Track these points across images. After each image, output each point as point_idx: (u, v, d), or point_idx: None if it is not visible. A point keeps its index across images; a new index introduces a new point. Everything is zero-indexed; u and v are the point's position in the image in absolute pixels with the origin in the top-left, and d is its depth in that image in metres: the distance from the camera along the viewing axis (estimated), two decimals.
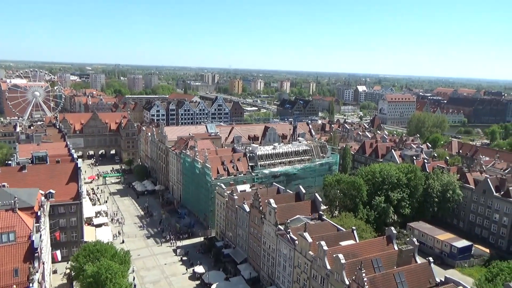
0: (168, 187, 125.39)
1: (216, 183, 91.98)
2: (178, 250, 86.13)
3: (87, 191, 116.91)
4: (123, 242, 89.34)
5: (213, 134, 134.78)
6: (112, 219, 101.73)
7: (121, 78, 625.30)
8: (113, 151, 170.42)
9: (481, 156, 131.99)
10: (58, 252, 75.52)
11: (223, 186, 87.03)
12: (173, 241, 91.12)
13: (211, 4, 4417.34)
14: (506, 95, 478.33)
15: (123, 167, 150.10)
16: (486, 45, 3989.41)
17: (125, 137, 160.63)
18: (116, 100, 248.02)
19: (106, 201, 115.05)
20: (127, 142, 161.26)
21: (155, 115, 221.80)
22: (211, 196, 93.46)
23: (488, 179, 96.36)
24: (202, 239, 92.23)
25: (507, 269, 60.30)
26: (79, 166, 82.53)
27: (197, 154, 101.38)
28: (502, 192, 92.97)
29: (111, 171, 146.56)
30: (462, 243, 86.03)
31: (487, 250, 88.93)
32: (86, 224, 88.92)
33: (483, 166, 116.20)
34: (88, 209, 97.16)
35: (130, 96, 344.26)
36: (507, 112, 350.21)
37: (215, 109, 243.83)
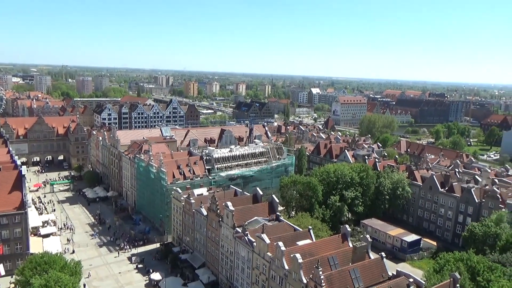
0: (121, 193, 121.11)
1: (172, 187, 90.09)
2: (133, 258, 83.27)
3: (32, 199, 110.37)
4: (73, 252, 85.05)
5: (168, 137, 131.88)
6: (61, 228, 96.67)
7: (69, 80, 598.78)
8: (61, 157, 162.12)
9: (427, 154, 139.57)
10: (1, 266, 70.85)
11: (180, 191, 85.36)
12: (127, 247, 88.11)
13: (163, 4, 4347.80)
14: (448, 96, 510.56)
15: (72, 174, 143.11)
16: (430, 49, 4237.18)
17: (74, 142, 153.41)
18: (64, 104, 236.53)
19: (54, 210, 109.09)
20: (76, 147, 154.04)
21: (107, 119, 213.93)
22: (167, 201, 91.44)
23: (434, 176, 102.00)
24: (158, 245, 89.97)
25: (453, 259, 63.77)
26: (23, 173, 77.86)
27: (151, 158, 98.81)
28: (446, 188, 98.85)
29: (59, 178, 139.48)
30: (411, 237, 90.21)
31: (434, 243, 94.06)
32: (32, 235, 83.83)
33: (429, 164, 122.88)
34: (34, 219, 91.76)
35: (79, 99, 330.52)
36: (450, 112, 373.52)
37: (170, 112, 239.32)
